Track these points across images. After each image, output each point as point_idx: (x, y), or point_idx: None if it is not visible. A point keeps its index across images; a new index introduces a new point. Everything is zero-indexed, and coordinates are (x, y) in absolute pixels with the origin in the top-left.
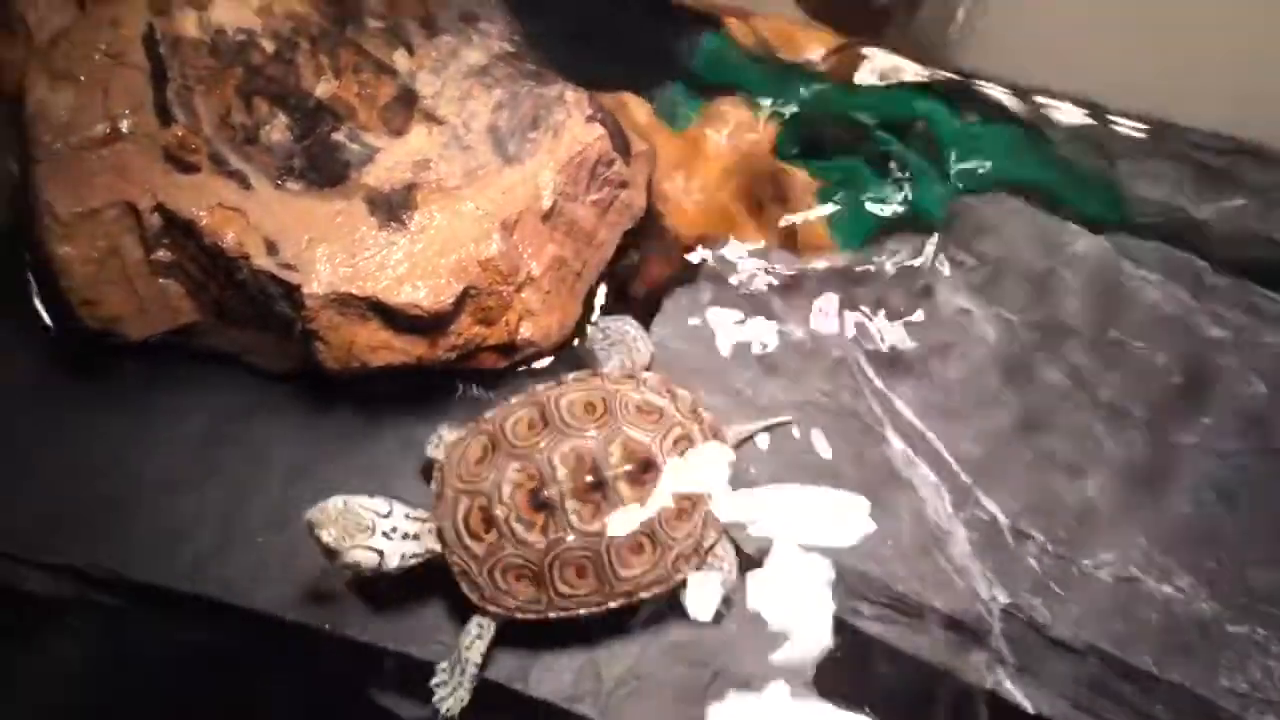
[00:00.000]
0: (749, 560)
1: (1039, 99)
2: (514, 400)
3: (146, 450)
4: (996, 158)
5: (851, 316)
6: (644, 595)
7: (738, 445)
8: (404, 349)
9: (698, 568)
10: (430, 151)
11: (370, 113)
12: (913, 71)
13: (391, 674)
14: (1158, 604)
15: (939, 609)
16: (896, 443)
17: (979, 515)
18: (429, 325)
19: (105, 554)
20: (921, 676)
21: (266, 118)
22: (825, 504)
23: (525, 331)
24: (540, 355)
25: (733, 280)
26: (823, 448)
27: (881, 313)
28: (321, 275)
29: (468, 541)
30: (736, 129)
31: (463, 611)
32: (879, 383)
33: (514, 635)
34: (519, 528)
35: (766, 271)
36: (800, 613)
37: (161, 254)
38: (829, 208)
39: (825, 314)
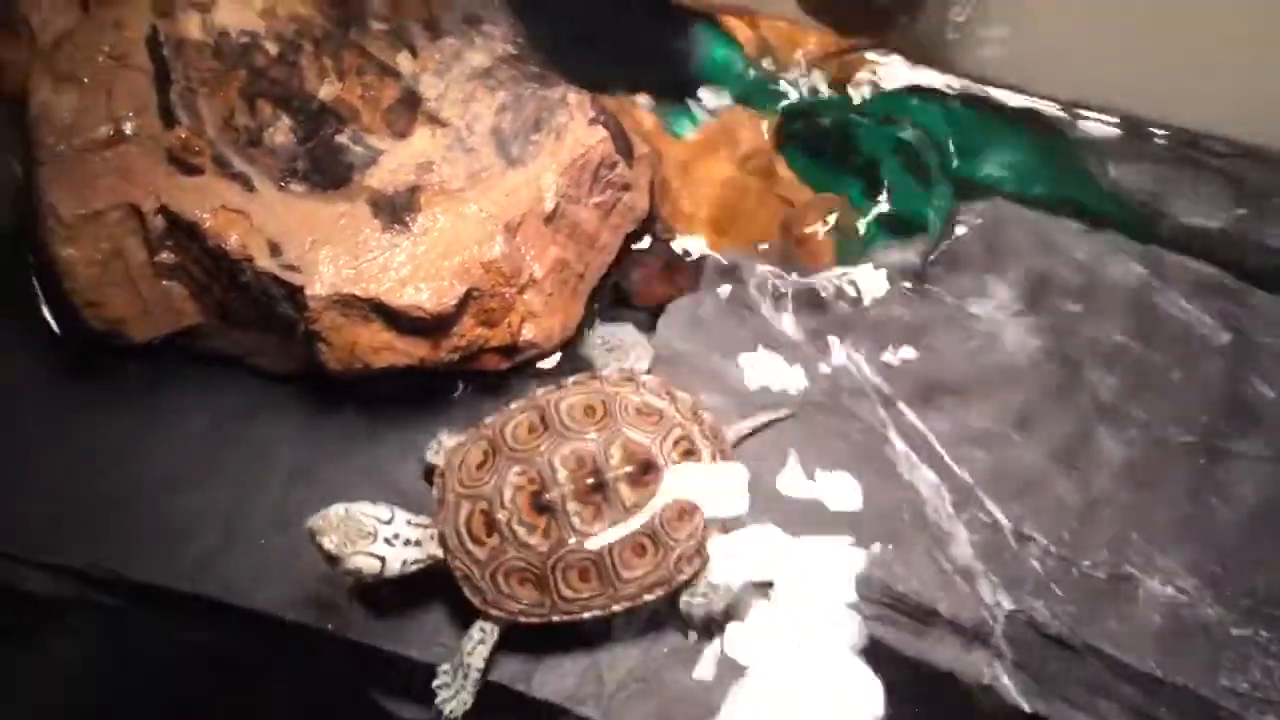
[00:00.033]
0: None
1: (1041, 100)
2: (514, 405)
3: (148, 451)
4: (998, 162)
5: (853, 318)
6: (647, 597)
7: (737, 444)
8: (406, 350)
9: (700, 568)
10: (433, 154)
11: (374, 115)
12: (915, 75)
13: (392, 675)
14: (1159, 605)
15: (940, 610)
16: (898, 444)
17: (980, 517)
18: (431, 327)
19: (106, 554)
20: (922, 677)
21: (270, 120)
22: (825, 505)
23: (527, 333)
24: (542, 357)
25: (735, 283)
26: (824, 449)
27: (883, 314)
28: (324, 277)
29: (470, 546)
30: (739, 132)
31: (465, 613)
32: (881, 385)
33: (516, 638)
34: (521, 531)
35: (768, 274)
36: (801, 613)
37: (165, 256)
38: (831, 211)
39: (827, 317)
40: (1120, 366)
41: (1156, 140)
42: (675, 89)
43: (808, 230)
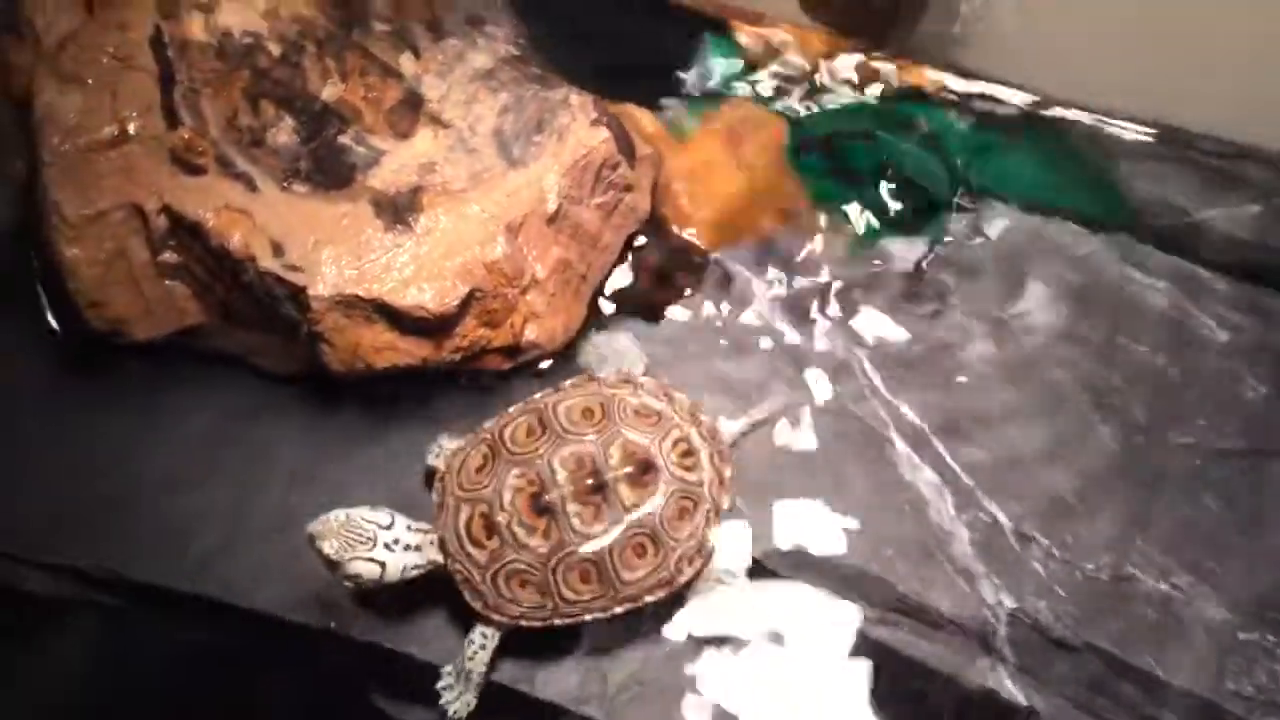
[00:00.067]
0: (753, 564)
1: (1042, 101)
2: (512, 409)
3: (150, 450)
4: (1000, 161)
5: (856, 321)
6: (649, 598)
7: (733, 444)
8: (409, 351)
9: (701, 568)
10: (436, 154)
11: (376, 116)
12: (917, 76)
13: (394, 675)
14: (1159, 605)
15: (942, 610)
16: (900, 445)
17: (981, 518)
18: (434, 327)
19: (107, 554)
20: (924, 677)
21: (273, 120)
22: (826, 506)
23: (530, 334)
24: (544, 357)
25: (737, 284)
26: (826, 450)
27: (886, 317)
28: (327, 277)
29: (470, 549)
30: (740, 133)
31: (466, 615)
32: (882, 386)
33: (519, 639)
34: (521, 533)
35: (771, 275)
36: (803, 614)
37: (168, 256)
38: (835, 213)
39: (830, 318)
40: (1122, 367)
41: (1162, 140)
42: (676, 90)
43: (810, 230)
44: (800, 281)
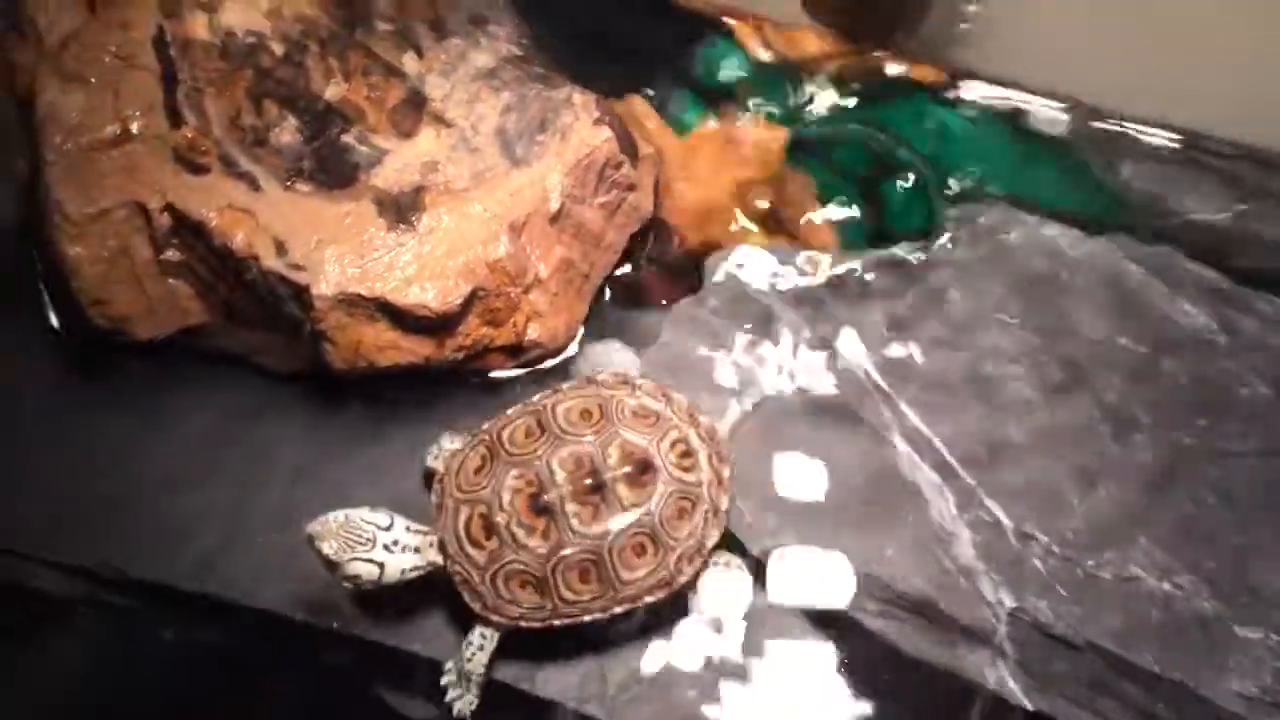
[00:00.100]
0: (755, 563)
1: (1043, 101)
2: (510, 410)
3: (151, 449)
4: (1001, 161)
5: (856, 320)
6: (648, 599)
7: (732, 435)
8: (411, 349)
9: (701, 569)
10: (439, 154)
11: (379, 115)
12: (918, 75)
13: (397, 672)
14: (1160, 603)
15: (943, 610)
16: (901, 445)
17: (983, 517)
18: (436, 326)
19: (110, 552)
20: (926, 676)
21: (276, 120)
22: (827, 505)
23: (532, 333)
24: (547, 356)
25: (739, 283)
26: (827, 450)
27: (886, 317)
28: (330, 276)
29: (469, 550)
30: (741, 132)
31: (465, 616)
32: (884, 385)
33: (521, 638)
34: (520, 533)
35: (772, 275)
36: (805, 613)
37: (171, 254)
38: (834, 212)
39: (830, 318)
40: (1122, 367)
41: (1163, 140)
42: (678, 89)
43: (810, 230)
44: (799, 280)
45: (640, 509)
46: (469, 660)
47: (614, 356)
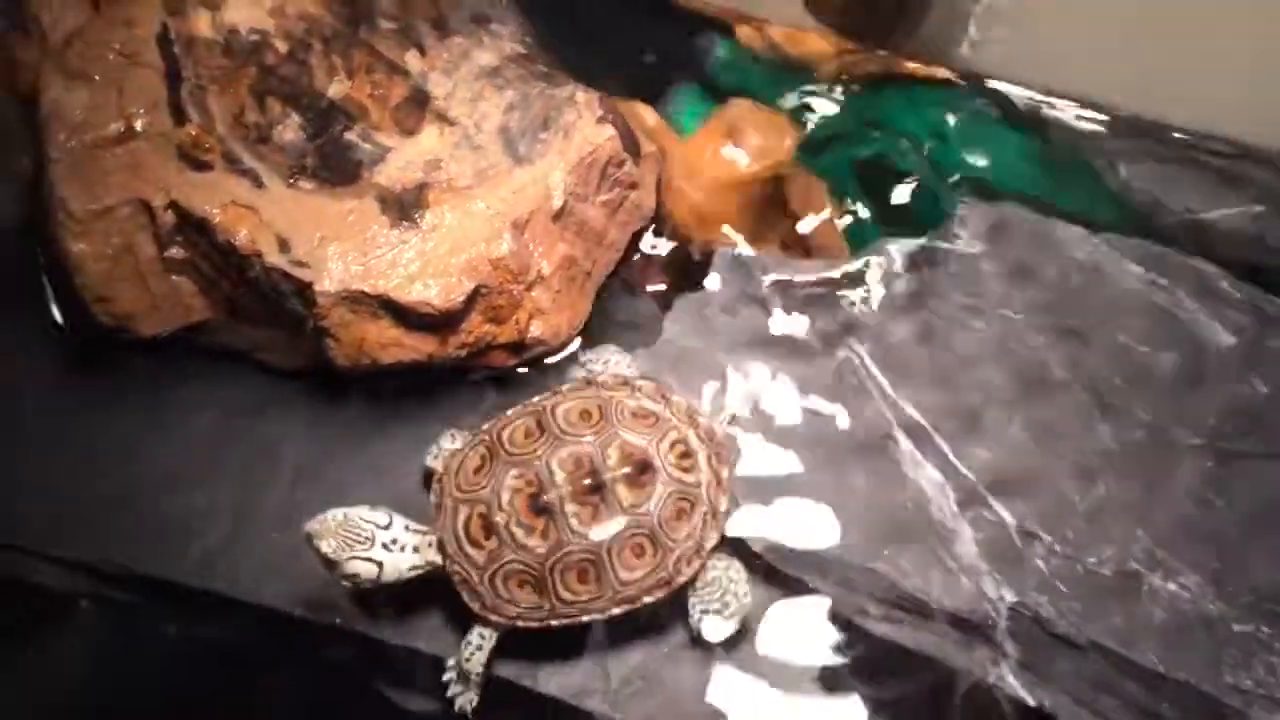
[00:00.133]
0: (755, 562)
1: (1044, 101)
2: (510, 411)
3: (154, 447)
4: (1003, 160)
5: (859, 318)
6: (647, 599)
7: (731, 421)
8: (414, 346)
9: (700, 569)
10: (442, 151)
11: (382, 113)
12: (919, 75)
13: (399, 668)
14: (1162, 602)
15: (945, 607)
16: (903, 442)
17: (985, 515)
18: (440, 323)
19: (114, 549)
20: (927, 674)
21: (279, 117)
22: (828, 504)
23: (535, 330)
24: (550, 354)
25: (741, 281)
26: (828, 447)
27: (887, 314)
28: (333, 273)
29: (468, 550)
30: (745, 132)
31: (464, 616)
32: (885, 383)
33: (521, 636)
34: (519, 533)
35: (774, 272)
36: (807, 611)
37: (174, 251)
38: (837, 210)
39: (833, 315)
40: (1123, 365)
41: (1163, 139)
42: (680, 88)
43: (813, 228)
44: (802, 278)
45: (639, 509)
46: (468, 660)
47: (614, 355)
